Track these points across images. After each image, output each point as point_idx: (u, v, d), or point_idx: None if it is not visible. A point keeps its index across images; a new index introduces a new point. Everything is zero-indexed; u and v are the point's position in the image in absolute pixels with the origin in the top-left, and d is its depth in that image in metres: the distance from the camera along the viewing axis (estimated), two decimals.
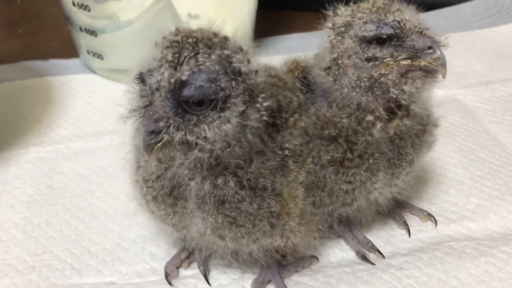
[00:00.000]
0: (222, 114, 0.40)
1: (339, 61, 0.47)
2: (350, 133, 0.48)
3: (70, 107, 0.78)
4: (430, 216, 0.58)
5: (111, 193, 0.63)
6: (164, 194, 0.45)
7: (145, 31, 0.75)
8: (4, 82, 0.82)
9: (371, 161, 0.49)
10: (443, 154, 0.67)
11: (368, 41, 0.46)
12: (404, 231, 0.58)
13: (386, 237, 0.58)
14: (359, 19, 0.46)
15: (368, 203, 0.54)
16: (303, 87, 0.50)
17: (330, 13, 0.49)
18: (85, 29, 0.79)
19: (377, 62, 0.46)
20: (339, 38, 0.47)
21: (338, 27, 0.47)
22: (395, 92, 0.46)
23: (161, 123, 0.39)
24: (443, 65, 0.45)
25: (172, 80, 0.38)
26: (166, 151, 0.40)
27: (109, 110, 0.77)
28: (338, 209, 0.52)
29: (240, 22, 0.84)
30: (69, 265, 0.55)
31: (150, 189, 0.46)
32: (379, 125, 0.47)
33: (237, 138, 0.41)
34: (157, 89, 0.39)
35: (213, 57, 0.39)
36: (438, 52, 0.45)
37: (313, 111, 0.49)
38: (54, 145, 0.71)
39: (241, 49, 0.41)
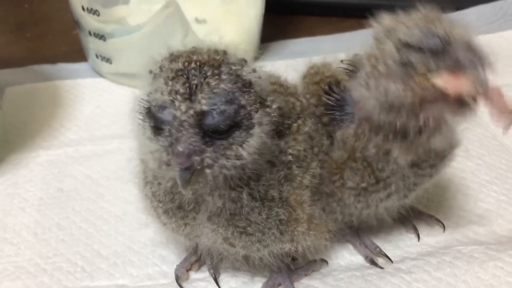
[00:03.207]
0: (250, 131, 0.39)
1: (375, 71, 0.42)
2: (378, 166, 0.47)
3: (79, 110, 0.79)
4: (438, 222, 0.59)
5: (121, 196, 0.64)
6: (174, 207, 0.45)
7: (154, 36, 0.76)
8: (12, 86, 0.82)
9: (392, 187, 0.48)
10: None
11: (409, 46, 0.41)
12: (412, 235, 0.58)
13: (394, 241, 0.58)
14: (404, 23, 0.42)
15: (376, 214, 0.54)
16: (331, 103, 0.47)
17: (373, 22, 0.44)
18: (94, 33, 0.80)
19: (411, 70, 0.40)
20: (381, 47, 0.43)
21: (380, 35, 0.43)
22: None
23: (194, 157, 0.38)
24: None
25: (191, 113, 0.37)
26: (201, 179, 0.40)
27: (117, 114, 0.77)
28: (345, 218, 0.53)
29: (247, 27, 0.85)
30: (80, 267, 0.56)
31: (160, 204, 0.46)
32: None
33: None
34: (179, 125, 0.37)
35: (223, 76, 0.38)
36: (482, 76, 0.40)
37: (339, 137, 0.47)
38: (63, 148, 0.71)
39: (245, 60, 0.41)
